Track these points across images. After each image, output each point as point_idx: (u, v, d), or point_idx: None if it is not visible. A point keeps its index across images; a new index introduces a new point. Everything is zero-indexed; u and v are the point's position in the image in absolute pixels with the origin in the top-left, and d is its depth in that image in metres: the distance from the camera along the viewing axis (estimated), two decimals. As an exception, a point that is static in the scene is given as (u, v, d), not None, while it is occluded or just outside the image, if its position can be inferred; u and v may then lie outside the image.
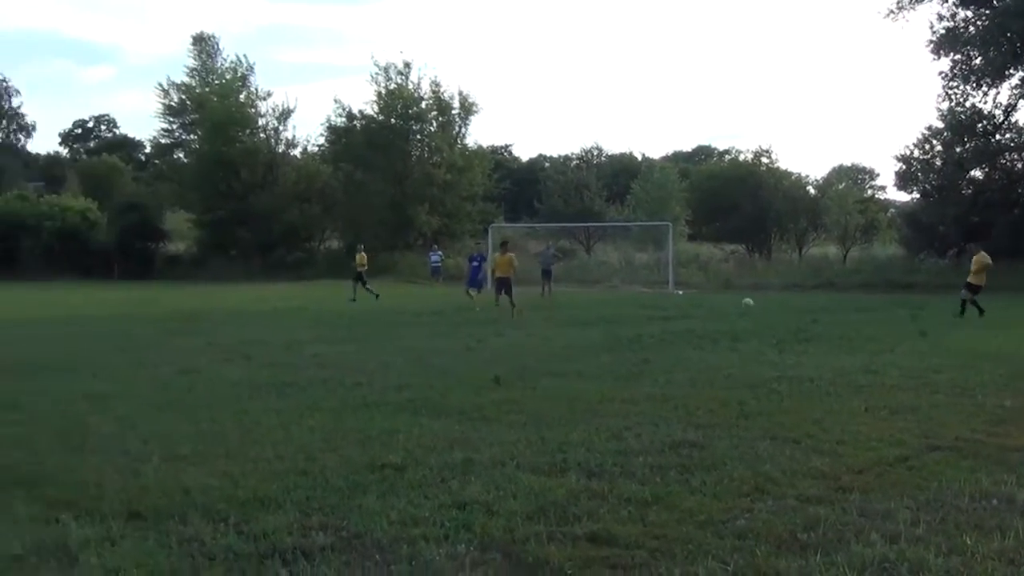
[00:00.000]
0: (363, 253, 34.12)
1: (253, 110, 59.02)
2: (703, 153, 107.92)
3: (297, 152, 60.79)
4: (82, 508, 6.63)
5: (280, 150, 59.24)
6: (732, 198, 59.52)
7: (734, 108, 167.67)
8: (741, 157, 71.71)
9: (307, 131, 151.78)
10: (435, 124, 56.46)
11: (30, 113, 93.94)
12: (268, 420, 10.04)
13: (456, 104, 57.13)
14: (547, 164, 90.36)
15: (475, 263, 30.68)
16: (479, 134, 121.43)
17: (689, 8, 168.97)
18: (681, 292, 38.55)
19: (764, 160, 63.34)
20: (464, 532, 6.02)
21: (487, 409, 10.64)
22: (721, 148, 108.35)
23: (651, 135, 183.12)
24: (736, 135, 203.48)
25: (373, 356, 16.23)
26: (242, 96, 59.24)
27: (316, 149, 61.27)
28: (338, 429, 9.56)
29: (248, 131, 57.78)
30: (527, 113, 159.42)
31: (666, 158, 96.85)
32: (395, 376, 13.57)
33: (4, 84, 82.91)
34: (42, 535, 6.05)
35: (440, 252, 48.79)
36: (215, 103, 57.49)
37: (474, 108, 57.45)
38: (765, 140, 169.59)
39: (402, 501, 6.74)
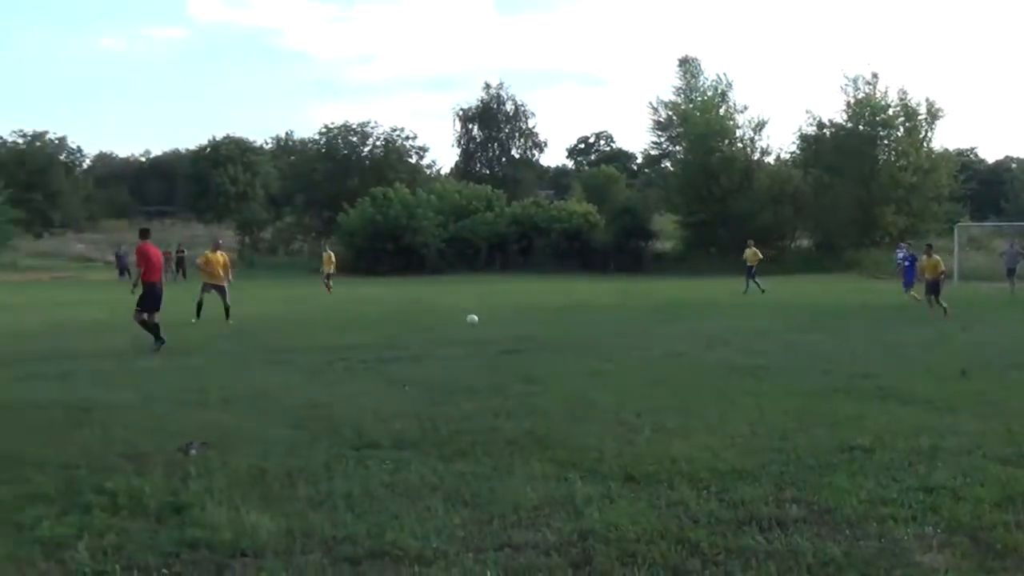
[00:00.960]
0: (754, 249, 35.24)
1: (731, 122, 62.12)
2: None
3: (771, 159, 63.28)
4: (585, 469, 7.38)
5: (755, 157, 61.99)
6: None
7: None
8: None
9: (779, 140, 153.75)
10: (902, 129, 56.74)
11: (542, 132, 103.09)
12: (744, 401, 10.50)
13: (922, 110, 56.88)
14: (1014, 165, 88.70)
15: (907, 263, 29.39)
16: (944, 137, 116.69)
17: None
18: None
19: None
20: (931, 515, 6.09)
21: (953, 399, 10.47)
22: None
23: None
24: None
25: (841, 345, 16.35)
26: (722, 110, 62.63)
27: (788, 156, 63.44)
28: (809, 411, 9.81)
29: (727, 141, 60.79)
30: (993, 116, 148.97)
31: None
32: (862, 364, 13.64)
33: (522, 108, 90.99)
34: (552, 490, 6.78)
35: (906, 249, 47.81)
36: (698, 117, 61.41)
37: (939, 113, 57.17)
38: None
39: (871, 482, 6.89)
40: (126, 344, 17.26)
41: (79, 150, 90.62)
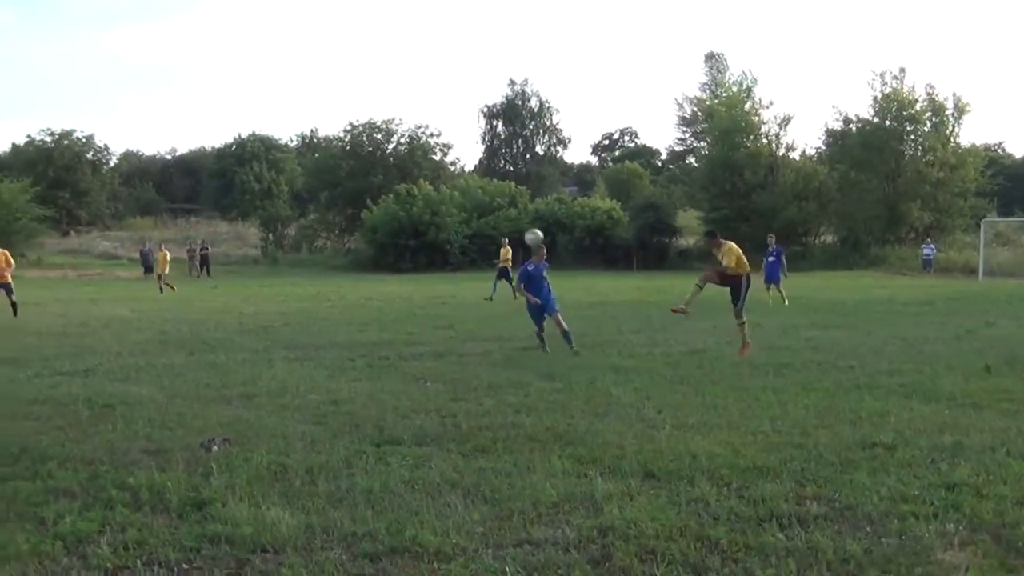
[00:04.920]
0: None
1: (757, 118, 61.88)
2: None
3: (796, 155, 62.94)
4: (605, 465, 7.38)
5: (780, 153, 61.56)
6: None
7: None
8: None
9: (804, 136, 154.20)
10: (928, 124, 56.48)
11: (566, 128, 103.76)
12: (766, 397, 10.44)
13: (949, 105, 56.57)
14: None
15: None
16: (971, 132, 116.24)
17: None
18: None
19: None
20: (953, 512, 6.04)
21: (977, 396, 10.40)
22: None
23: None
24: None
25: (864, 341, 16.26)
26: (747, 106, 62.90)
27: (813, 152, 63.35)
28: (831, 408, 9.77)
29: (752, 137, 60.61)
30: (1022, 110, 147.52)
31: None
32: (885, 361, 13.57)
33: (546, 104, 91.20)
34: (572, 486, 6.78)
35: (933, 245, 49.07)
36: (723, 113, 61.62)
37: (967, 108, 56.73)
38: None
39: (892, 479, 6.85)
40: (150, 341, 17.39)
41: (106, 148, 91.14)
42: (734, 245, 15.08)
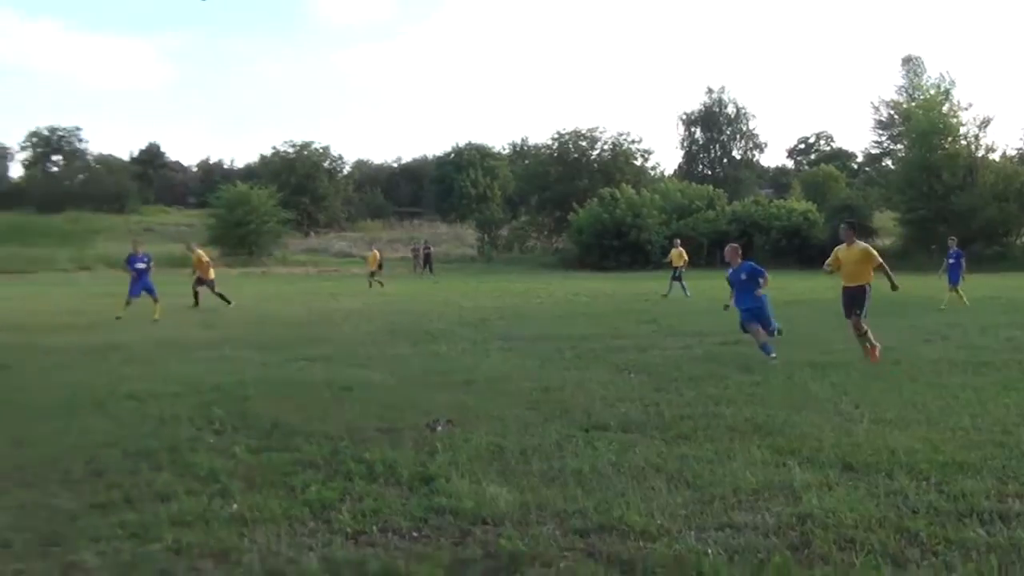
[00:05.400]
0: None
1: (955, 120, 58.79)
2: None
3: (996, 156, 59.38)
4: (803, 456, 7.18)
5: (980, 154, 58.28)
6: None
7: None
8: None
9: (1005, 136, 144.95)
10: None
11: (762, 133, 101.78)
12: (965, 395, 9.91)
13: None
14: None
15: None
16: None
17: None
18: None
19: None
20: None
21: None
22: None
23: None
24: None
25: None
26: (945, 108, 59.66)
27: (1014, 152, 60.29)
28: (1033, 407, 9.20)
29: (950, 139, 57.66)
30: None
31: None
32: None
33: (743, 111, 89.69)
34: (771, 475, 6.65)
35: None
36: (920, 115, 58.75)
37: None
38: None
39: (1099, 479, 6.40)
40: (380, 331, 18.02)
41: (340, 158, 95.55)
42: (871, 249, 13.60)
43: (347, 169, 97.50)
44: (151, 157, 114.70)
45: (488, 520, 5.76)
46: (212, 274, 25.27)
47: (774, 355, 12.74)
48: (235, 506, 6.03)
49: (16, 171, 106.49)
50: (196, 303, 24.45)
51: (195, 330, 18.24)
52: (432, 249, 56.86)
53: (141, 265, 21.86)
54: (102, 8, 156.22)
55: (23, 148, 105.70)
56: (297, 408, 9.51)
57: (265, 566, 5.03)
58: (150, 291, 21.45)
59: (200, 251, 26.12)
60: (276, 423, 8.68)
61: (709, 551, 5.15)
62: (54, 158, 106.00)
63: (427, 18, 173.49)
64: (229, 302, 24.56)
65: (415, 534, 5.57)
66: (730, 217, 58.86)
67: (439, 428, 8.37)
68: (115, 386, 10.95)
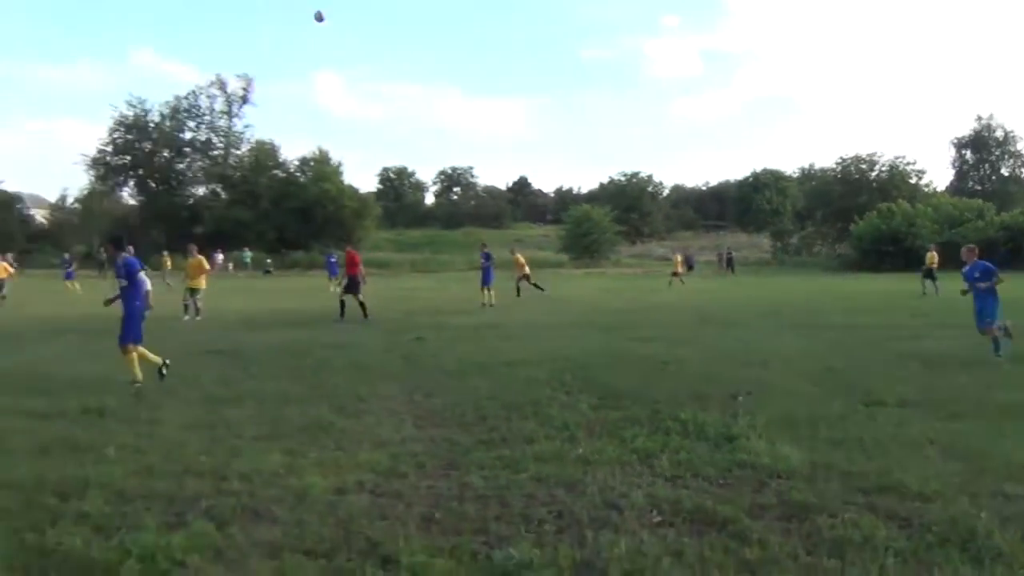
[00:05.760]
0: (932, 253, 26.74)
1: None
2: None
3: None
4: None
5: None
6: None
7: None
8: None
9: None
10: None
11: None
12: None
13: None
14: None
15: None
16: None
17: None
18: None
19: None
20: None
21: None
22: None
23: None
24: None
25: None
26: None
27: None
28: None
29: None
30: None
31: None
32: None
33: (1011, 134, 79.13)
34: None
35: None
36: None
37: None
38: None
39: None
40: (691, 319, 17.74)
41: (660, 183, 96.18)
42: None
43: (666, 192, 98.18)
44: (520, 186, 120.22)
45: (781, 474, 5.50)
46: (527, 270, 25.76)
47: (1001, 353, 10.98)
48: (580, 450, 6.16)
49: (429, 199, 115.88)
50: (518, 294, 24.97)
51: (548, 316, 18.87)
52: (734, 254, 55.26)
53: (485, 263, 22.80)
54: (488, 79, 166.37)
55: (434, 183, 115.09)
56: (627, 376, 9.56)
57: (603, 497, 5.09)
58: (487, 283, 22.36)
59: (519, 255, 26.70)
60: (611, 387, 8.78)
61: (982, 515, 4.59)
62: (454, 189, 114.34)
63: (732, 75, 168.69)
64: (543, 289, 25.32)
65: (720, 481, 5.42)
66: (998, 226, 51.98)
67: (740, 398, 8.09)
68: (494, 355, 11.58)
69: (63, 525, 4.58)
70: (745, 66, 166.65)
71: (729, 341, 13.34)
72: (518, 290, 25.11)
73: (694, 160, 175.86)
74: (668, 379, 9.41)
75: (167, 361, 9.75)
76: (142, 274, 9.45)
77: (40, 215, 76.87)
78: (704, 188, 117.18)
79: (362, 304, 17.80)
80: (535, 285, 25.52)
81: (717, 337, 14.01)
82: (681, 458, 5.91)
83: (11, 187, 76.56)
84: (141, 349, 9.38)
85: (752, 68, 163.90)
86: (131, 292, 9.31)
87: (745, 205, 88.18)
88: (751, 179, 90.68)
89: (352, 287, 18.23)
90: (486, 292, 22.12)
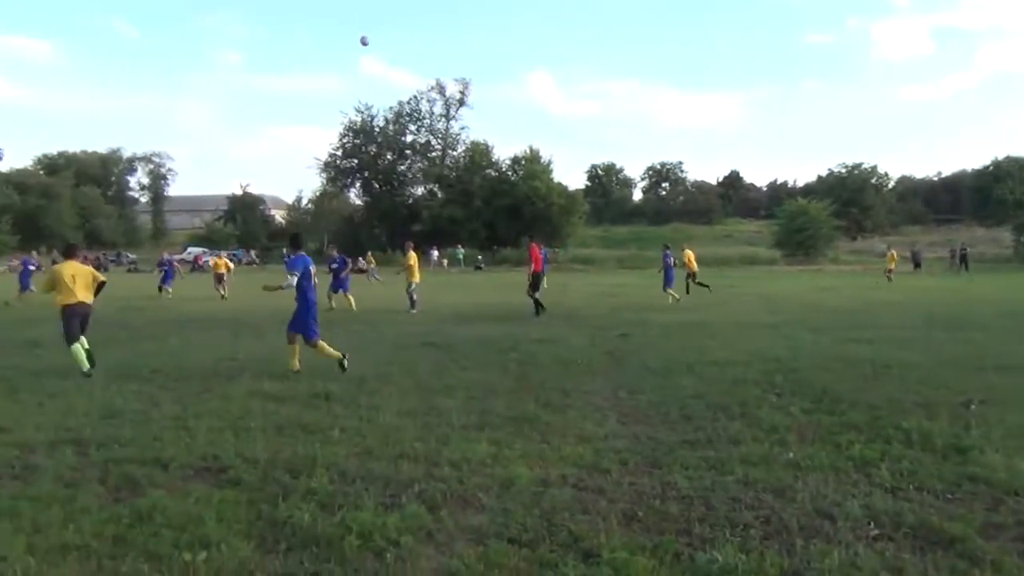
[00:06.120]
0: None
1: None
2: None
3: None
4: None
5: None
6: None
7: None
8: None
9: None
10: None
11: None
12: None
13: None
14: None
15: None
16: None
17: None
18: None
19: None
20: None
21: None
22: None
23: None
24: None
25: None
26: None
27: None
28: None
29: None
30: None
31: None
32: None
33: None
34: None
35: None
36: None
37: None
38: None
39: None
40: (918, 319, 16.38)
41: (886, 174, 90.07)
42: None
43: (892, 184, 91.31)
44: (732, 181, 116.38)
45: (1020, 492, 4.97)
46: (695, 267, 25.38)
47: None
48: (791, 454, 5.90)
49: (637, 195, 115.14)
50: (688, 291, 24.30)
51: (758, 314, 18.15)
52: (968, 250, 50.29)
53: (670, 260, 22.76)
54: (703, 72, 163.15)
55: (642, 179, 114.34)
56: (843, 380, 9.01)
57: (815, 505, 4.85)
58: (669, 282, 22.16)
59: (688, 251, 25.95)
60: (825, 391, 8.32)
61: None
62: (663, 184, 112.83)
63: (970, 53, 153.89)
64: (707, 286, 24.78)
65: (948, 496, 4.98)
66: None
67: (972, 406, 7.38)
68: (701, 354, 11.31)
69: (293, 500, 5.01)
70: (986, 43, 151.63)
71: (960, 344, 12.20)
72: (688, 287, 24.69)
73: (924, 149, 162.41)
74: (890, 384, 8.76)
75: (343, 359, 10.09)
76: (294, 271, 9.91)
77: (279, 215, 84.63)
78: (936, 179, 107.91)
79: (537, 301, 18.03)
80: (701, 284, 25.03)
81: (946, 339, 12.84)
82: (903, 468, 5.50)
83: (256, 190, 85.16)
84: (299, 345, 10.05)
85: (995, 45, 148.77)
86: (302, 287, 10.02)
87: (984, 196, 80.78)
88: (991, 168, 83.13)
89: (535, 284, 18.50)
90: (669, 294, 22.01)
